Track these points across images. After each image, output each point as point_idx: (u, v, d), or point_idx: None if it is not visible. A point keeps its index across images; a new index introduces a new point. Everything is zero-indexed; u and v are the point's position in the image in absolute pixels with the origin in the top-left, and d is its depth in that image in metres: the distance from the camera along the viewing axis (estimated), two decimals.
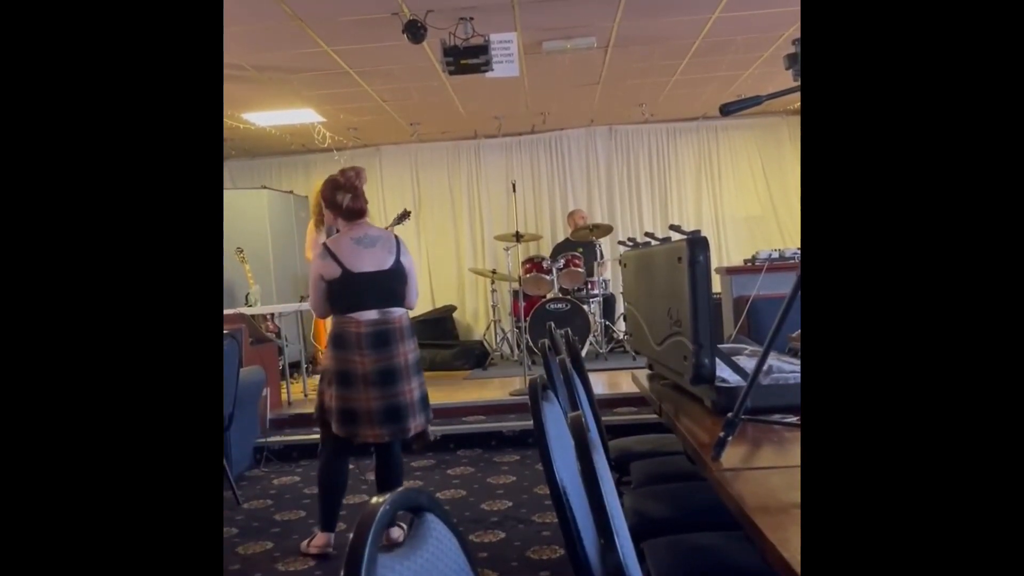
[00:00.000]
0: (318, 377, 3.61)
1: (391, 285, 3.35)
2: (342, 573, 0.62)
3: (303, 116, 6.98)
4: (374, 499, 0.69)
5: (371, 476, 3.79)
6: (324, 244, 3.35)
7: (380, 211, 8.53)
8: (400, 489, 0.73)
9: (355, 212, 3.38)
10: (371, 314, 3.28)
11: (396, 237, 3.47)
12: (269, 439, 5.16)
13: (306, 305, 4.36)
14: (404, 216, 5.79)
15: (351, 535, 0.67)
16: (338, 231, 3.44)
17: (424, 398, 3.45)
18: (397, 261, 3.36)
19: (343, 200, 3.36)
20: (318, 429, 3.52)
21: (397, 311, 3.36)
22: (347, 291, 3.28)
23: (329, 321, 3.48)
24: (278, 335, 6.31)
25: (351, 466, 3.56)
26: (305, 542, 3.48)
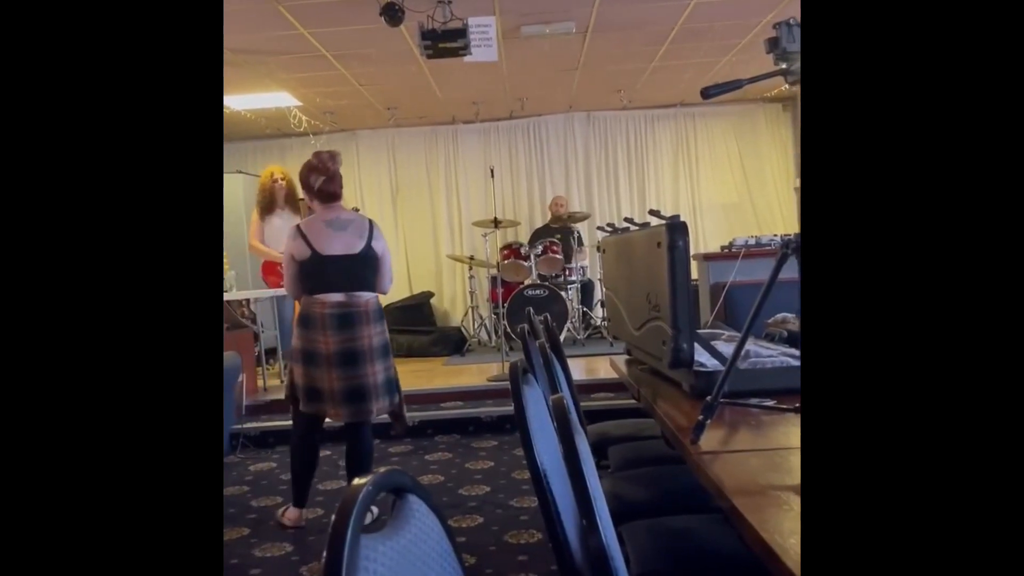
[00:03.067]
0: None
1: (359, 269, 3.38)
2: (324, 554, 0.62)
3: (279, 100, 6.90)
4: (356, 480, 0.69)
5: None
6: (297, 225, 3.41)
7: (357, 196, 8.48)
8: (383, 470, 0.73)
9: (328, 195, 3.42)
10: (337, 296, 3.33)
11: (370, 222, 3.50)
12: (245, 425, 5.13)
13: (282, 291, 4.35)
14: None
15: (333, 516, 0.66)
16: (311, 212, 3.50)
17: (389, 381, 3.48)
18: (368, 246, 3.39)
19: (316, 182, 3.41)
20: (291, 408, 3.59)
21: (364, 295, 3.40)
22: (315, 272, 3.34)
23: (299, 302, 3.53)
24: (253, 321, 6.26)
25: (328, 452, 3.58)
26: (280, 511, 3.63)
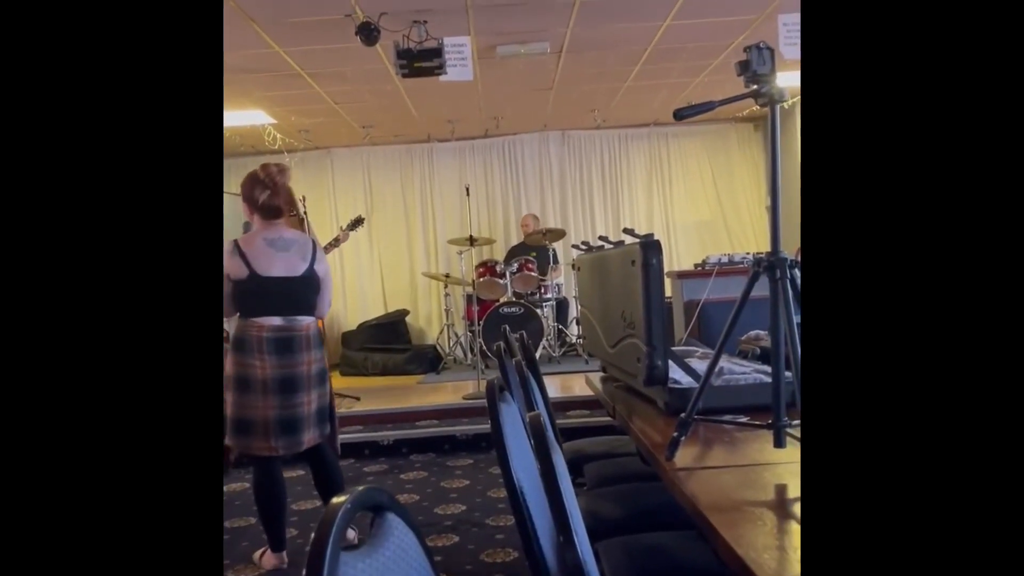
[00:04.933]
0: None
1: (300, 292, 3.19)
2: (304, 572, 0.62)
3: (253, 118, 6.88)
4: (335, 499, 0.69)
5: None
6: (235, 241, 3.18)
7: (332, 213, 8.45)
8: (361, 488, 0.73)
9: (271, 210, 3.21)
10: (275, 320, 3.13)
11: (314, 242, 3.32)
12: None
13: None
14: (358, 222, 5.72)
15: (312, 534, 0.66)
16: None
17: (321, 410, 3.26)
18: (310, 268, 3.21)
19: (260, 196, 3.19)
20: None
21: (304, 319, 3.20)
22: (253, 294, 3.13)
23: (234, 324, 3.28)
24: (226, 337, 6.21)
25: (300, 472, 3.49)
26: (258, 554, 3.37)
